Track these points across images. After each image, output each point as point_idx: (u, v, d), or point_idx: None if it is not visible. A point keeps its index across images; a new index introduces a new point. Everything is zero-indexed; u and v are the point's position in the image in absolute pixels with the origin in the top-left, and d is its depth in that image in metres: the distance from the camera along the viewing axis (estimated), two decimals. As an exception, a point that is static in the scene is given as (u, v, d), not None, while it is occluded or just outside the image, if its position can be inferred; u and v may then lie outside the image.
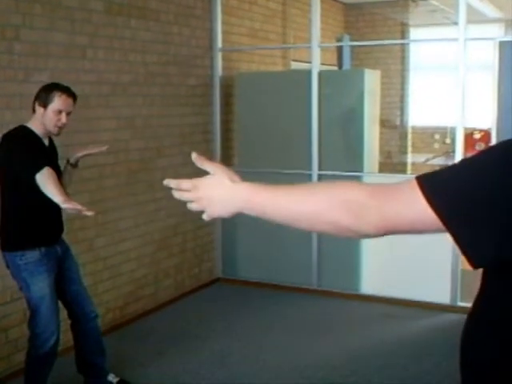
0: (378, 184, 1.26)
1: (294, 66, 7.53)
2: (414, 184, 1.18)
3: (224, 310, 5.54)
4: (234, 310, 5.52)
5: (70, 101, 3.49)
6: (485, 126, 8.77)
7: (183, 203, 1.39)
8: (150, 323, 5.22)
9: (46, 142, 3.57)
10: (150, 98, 5.30)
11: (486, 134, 8.78)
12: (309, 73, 5.80)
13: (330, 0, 8.90)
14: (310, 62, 5.86)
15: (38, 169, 3.19)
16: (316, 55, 5.77)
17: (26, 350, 3.74)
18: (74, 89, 3.55)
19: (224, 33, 6.15)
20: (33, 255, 3.48)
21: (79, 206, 3.10)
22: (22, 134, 3.46)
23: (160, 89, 5.41)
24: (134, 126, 5.14)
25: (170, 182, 1.41)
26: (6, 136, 3.47)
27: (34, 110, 3.49)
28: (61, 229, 3.70)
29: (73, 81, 4.29)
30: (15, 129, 3.50)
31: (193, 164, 1.40)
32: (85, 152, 3.73)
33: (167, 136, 5.52)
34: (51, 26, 4.33)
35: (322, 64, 5.93)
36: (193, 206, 1.39)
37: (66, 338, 4.46)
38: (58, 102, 3.43)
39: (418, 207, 1.16)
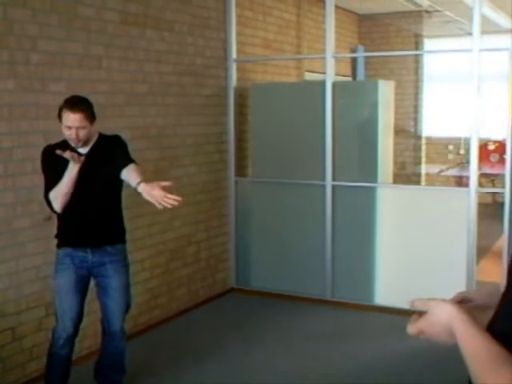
0: None
1: (308, 76, 7.55)
2: None
3: (237, 321, 5.53)
4: (247, 321, 5.51)
5: (78, 117, 3.45)
6: (499, 137, 8.75)
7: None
8: (164, 333, 5.22)
9: (85, 150, 3.63)
10: (164, 108, 5.33)
11: (501, 145, 8.76)
12: (323, 83, 5.80)
13: (344, 11, 8.93)
14: (324, 73, 5.86)
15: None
16: (330, 66, 5.77)
17: (40, 359, 3.77)
18: (88, 98, 3.57)
19: (238, 43, 6.18)
20: (58, 253, 3.72)
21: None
22: (50, 152, 3.59)
23: (174, 99, 5.44)
24: (148, 136, 5.16)
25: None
26: (43, 151, 3.67)
27: None
28: (94, 238, 3.71)
29: (88, 91, 4.32)
30: (54, 145, 3.63)
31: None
32: (150, 195, 3.56)
33: (181, 146, 5.53)
34: (67, 36, 4.37)
35: (336, 75, 5.94)
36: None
37: (84, 345, 4.47)
38: (65, 119, 3.48)
39: None
